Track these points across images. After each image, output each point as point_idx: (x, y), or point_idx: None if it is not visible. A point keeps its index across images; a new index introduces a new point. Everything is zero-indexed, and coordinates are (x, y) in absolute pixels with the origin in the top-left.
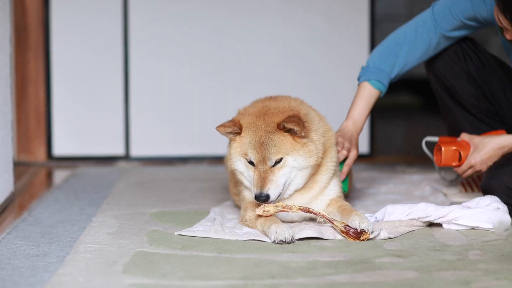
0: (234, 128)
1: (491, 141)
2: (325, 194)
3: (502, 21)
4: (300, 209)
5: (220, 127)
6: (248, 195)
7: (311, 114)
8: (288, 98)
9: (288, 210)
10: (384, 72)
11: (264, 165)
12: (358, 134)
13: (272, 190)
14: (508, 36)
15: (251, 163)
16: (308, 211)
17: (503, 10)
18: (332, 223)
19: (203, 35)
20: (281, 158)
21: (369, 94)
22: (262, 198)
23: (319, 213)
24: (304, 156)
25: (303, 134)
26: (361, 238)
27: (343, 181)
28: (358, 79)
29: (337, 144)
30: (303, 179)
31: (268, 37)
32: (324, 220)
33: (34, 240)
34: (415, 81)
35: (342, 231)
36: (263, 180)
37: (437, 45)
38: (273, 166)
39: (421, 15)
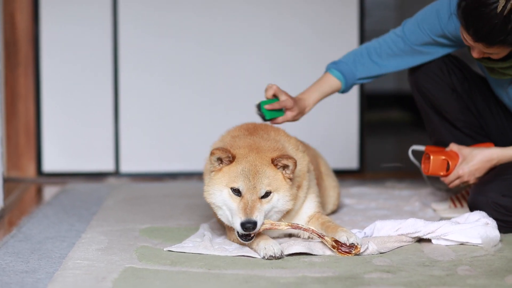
0: (228, 156)
1: (480, 153)
2: (302, 213)
3: (467, 38)
4: (289, 225)
5: (217, 150)
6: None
7: (290, 151)
8: (271, 132)
9: (277, 227)
10: (346, 65)
11: (254, 194)
12: (303, 114)
13: (259, 218)
14: (474, 55)
15: (236, 193)
16: (297, 227)
17: (465, 26)
18: (323, 239)
19: (192, 50)
20: (270, 193)
21: (323, 79)
22: (249, 225)
23: (309, 228)
24: (288, 198)
25: (291, 176)
26: (353, 252)
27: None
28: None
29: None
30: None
31: (259, 51)
32: (311, 236)
33: (23, 256)
34: (404, 97)
35: (333, 246)
36: (251, 208)
37: (407, 57)
38: (261, 197)
39: (393, 30)
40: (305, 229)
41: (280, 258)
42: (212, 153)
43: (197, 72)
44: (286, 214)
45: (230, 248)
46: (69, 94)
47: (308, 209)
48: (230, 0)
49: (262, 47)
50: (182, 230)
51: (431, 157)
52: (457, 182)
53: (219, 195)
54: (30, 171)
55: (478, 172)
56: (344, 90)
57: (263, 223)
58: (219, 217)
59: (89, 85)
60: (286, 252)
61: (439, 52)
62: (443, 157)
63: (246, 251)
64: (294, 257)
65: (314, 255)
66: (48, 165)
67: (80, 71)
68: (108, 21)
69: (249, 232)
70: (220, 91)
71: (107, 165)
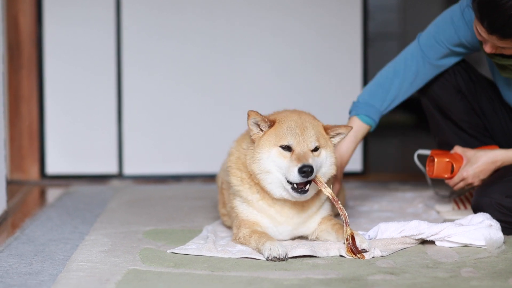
0: (265, 121)
1: (484, 155)
2: (319, 213)
3: (480, 31)
4: (331, 195)
5: (253, 112)
6: (243, 211)
7: None
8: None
9: (322, 187)
10: (373, 107)
11: (305, 146)
12: (343, 168)
13: (314, 164)
14: (487, 49)
15: (286, 149)
16: (336, 201)
17: (480, 18)
18: (346, 226)
19: (196, 52)
20: (318, 148)
21: (357, 129)
22: (307, 169)
23: (342, 209)
24: (333, 161)
25: (335, 145)
26: (357, 255)
27: None
28: (349, 113)
29: None
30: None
31: (262, 53)
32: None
33: (26, 258)
34: (408, 99)
35: (347, 239)
36: (304, 155)
37: (425, 75)
38: (312, 151)
39: (409, 48)
40: (340, 208)
41: (284, 260)
42: (248, 115)
43: (201, 74)
44: (305, 212)
45: (233, 250)
46: (72, 96)
47: (324, 210)
48: (233, 2)
49: (265, 49)
50: (185, 232)
51: (435, 159)
52: (461, 184)
53: (267, 157)
54: (33, 173)
55: (483, 174)
56: (373, 130)
57: (316, 177)
58: (268, 185)
59: (92, 87)
60: (290, 255)
61: (455, 60)
62: (447, 160)
63: (250, 253)
64: (297, 259)
65: (318, 257)
66: (52, 168)
67: (83, 73)
68: (111, 23)
69: (307, 177)
70: (223, 93)
71: (111, 167)
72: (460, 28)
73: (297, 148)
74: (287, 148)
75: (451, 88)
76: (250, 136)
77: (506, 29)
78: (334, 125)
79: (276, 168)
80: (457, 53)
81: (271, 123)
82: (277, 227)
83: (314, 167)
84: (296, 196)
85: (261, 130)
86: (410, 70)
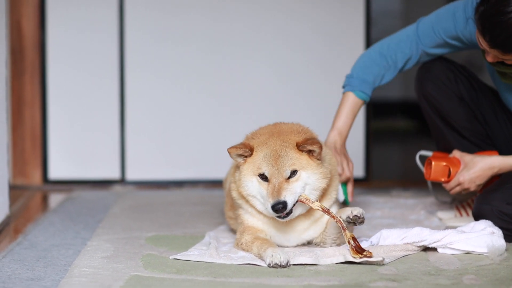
0: (245, 150)
1: (482, 160)
2: (324, 217)
3: (482, 43)
4: (321, 207)
5: (231, 149)
6: (249, 219)
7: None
8: (294, 123)
9: (310, 203)
10: (367, 82)
11: (279, 177)
12: (344, 142)
13: (289, 197)
14: (489, 59)
15: (264, 179)
16: (327, 212)
17: (482, 32)
18: (344, 231)
19: (199, 55)
20: (296, 171)
21: (353, 103)
22: (279, 206)
23: (336, 217)
24: (318, 176)
25: (319, 157)
26: (364, 253)
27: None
28: (343, 88)
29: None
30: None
31: (265, 58)
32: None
33: (29, 263)
34: (410, 106)
35: (348, 242)
36: (278, 190)
37: (418, 60)
38: (287, 178)
39: (406, 29)
40: (333, 216)
41: (285, 267)
42: (229, 152)
43: (204, 78)
44: (308, 219)
45: (235, 257)
46: (75, 101)
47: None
48: (237, 5)
49: (268, 53)
50: (187, 238)
51: (433, 163)
52: (457, 189)
53: (251, 185)
54: (36, 178)
55: (479, 180)
56: (366, 104)
57: (300, 196)
58: (257, 206)
59: (95, 91)
60: (292, 262)
61: (450, 51)
62: (445, 164)
63: (252, 259)
64: (300, 265)
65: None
66: (54, 172)
67: (86, 77)
68: (114, 27)
69: (281, 212)
70: (226, 97)
71: (113, 173)
72: (459, 23)
73: (272, 179)
74: (265, 178)
75: (453, 95)
76: (236, 164)
77: (508, 45)
78: (305, 140)
79: (260, 195)
80: (452, 46)
81: (251, 151)
82: (283, 235)
83: (288, 201)
84: (281, 221)
85: (245, 156)
86: (402, 52)
